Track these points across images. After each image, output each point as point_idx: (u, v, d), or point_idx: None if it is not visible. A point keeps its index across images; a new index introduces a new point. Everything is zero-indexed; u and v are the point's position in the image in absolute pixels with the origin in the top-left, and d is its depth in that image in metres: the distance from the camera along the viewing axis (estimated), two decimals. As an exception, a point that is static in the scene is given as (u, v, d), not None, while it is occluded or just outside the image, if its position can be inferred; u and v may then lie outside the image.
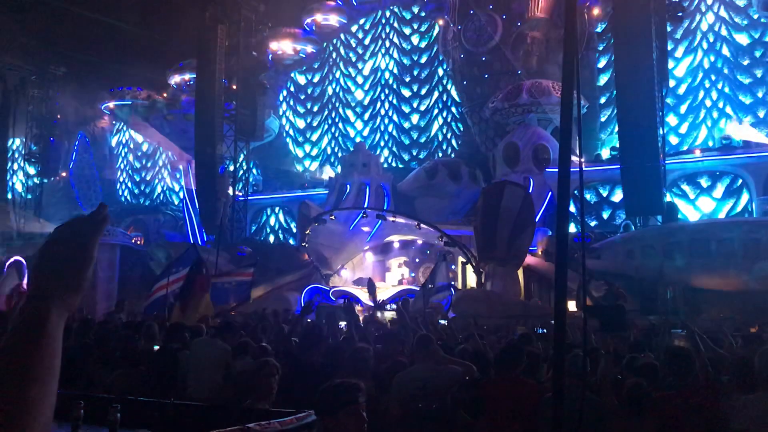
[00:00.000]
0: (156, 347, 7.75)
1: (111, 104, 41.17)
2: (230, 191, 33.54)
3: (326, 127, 40.69)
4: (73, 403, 2.94)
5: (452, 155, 35.87)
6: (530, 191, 23.77)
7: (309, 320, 11.22)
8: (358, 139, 37.88)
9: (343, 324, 11.84)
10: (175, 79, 40.90)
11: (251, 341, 7.49)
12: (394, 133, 38.61)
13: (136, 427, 3.39)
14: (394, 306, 17.84)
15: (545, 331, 12.09)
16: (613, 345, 8.03)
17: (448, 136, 37.27)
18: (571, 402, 4.07)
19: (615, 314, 10.02)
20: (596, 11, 31.40)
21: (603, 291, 14.52)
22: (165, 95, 39.31)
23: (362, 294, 22.27)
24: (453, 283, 23.64)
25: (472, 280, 23.34)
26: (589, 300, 10.70)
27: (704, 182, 26.60)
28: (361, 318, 12.71)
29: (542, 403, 5.19)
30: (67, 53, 39.68)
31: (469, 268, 23.27)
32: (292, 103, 41.91)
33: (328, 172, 38.61)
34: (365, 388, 3.20)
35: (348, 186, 31.44)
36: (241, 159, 34.60)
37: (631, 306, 15.11)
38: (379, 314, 16.07)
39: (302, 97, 41.78)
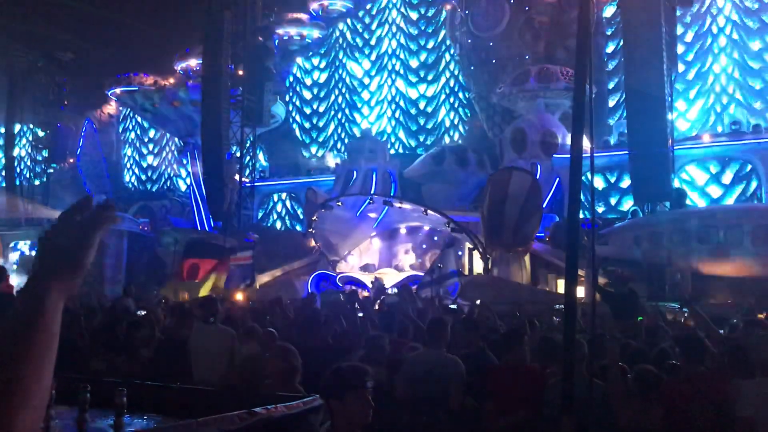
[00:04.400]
0: (159, 332, 7.75)
1: (118, 90, 41.11)
2: (237, 177, 33.52)
3: (333, 113, 40.57)
4: (79, 387, 2.95)
5: (459, 141, 35.73)
6: (538, 177, 23.72)
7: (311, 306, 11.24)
8: (364, 125, 37.74)
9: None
10: (182, 65, 40.78)
11: (258, 326, 7.48)
12: (401, 119, 38.47)
13: (143, 411, 3.39)
14: (396, 290, 17.89)
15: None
16: (622, 330, 7.98)
17: (456, 121, 37.11)
18: (578, 388, 4.05)
19: (628, 301, 9.97)
20: (604, -5, 31.11)
21: (609, 277, 14.24)
22: (171, 81, 39.21)
23: (368, 280, 22.29)
24: (460, 269, 23.65)
25: (479, 267, 23.31)
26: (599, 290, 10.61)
27: (713, 168, 26.42)
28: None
29: (548, 388, 5.18)
30: (74, 39, 39.63)
31: (476, 254, 23.23)
32: (298, 88, 41.76)
33: (334, 158, 38.51)
34: (375, 374, 3.16)
35: (355, 172, 31.34)
36: (247, 145, 34.55)
37: (639, 292, 15.00)
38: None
39: (309, 82, 41.64)
